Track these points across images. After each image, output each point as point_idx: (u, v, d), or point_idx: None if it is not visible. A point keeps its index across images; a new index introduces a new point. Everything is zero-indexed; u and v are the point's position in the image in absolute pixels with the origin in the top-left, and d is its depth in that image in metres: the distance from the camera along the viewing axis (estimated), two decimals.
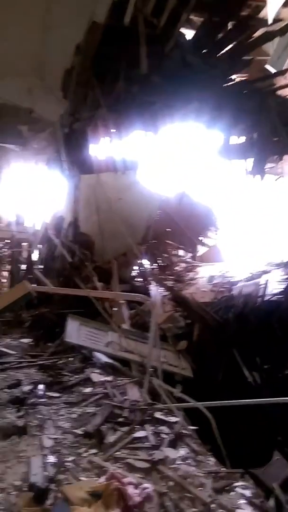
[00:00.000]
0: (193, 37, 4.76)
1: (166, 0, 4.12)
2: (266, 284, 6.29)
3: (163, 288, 7.06)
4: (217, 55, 4.68)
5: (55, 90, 5.47)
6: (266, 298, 6.23)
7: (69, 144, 6.12)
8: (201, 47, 4.74)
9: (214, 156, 5.59)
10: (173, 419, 3.49)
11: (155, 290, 6.51)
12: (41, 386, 4.05)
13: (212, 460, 3.08)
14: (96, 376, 4.31)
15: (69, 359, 4.83)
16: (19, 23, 4.26)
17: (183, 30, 4.78)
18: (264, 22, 4.25)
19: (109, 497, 2.18)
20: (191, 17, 4.79)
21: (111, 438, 3.12)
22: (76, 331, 5.26)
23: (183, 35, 4.82)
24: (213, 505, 2.49)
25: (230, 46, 4.60)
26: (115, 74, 4.82)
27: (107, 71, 4.95)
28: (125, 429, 3.26)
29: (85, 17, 4.24)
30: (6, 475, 2.70)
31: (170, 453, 2.99)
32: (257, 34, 4.49)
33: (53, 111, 5.83)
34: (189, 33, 5.03)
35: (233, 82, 4.97)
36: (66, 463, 2.80)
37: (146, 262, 7.81)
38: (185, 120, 5.07)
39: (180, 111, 4.91)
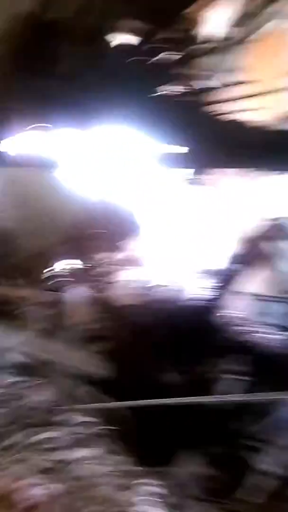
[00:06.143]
0: (124, 44, 4.81)
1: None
2: (187, 289, 6.48)
3: (81, 289, 6.98)
4: (148, 64, 4.77)
5: None
6: (187, 303, 6.43)
7: None
8: (132, 55, 4.81)
9: (146, 163, 5.65)
10: (86, 419, 3.45)
11: (74, 291, 6.43)
12: None
13: (121, 459, 3.12)
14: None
15: None
16: None
17: (113, 34, 4.82)
18: (196, 39, 4.42)
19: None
20: (123, 22, 4.83)
21: (14, 438, 3.03)
22: None
23: (113, 39, 4.85)
24: (114, 504, 2.53)
25: (161, 57, 4.71)
26: (40, 70, 4.72)
27: (31, 67, 4.83)
28: (33, 430, 3.19)
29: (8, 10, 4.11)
30: None
31: (77, 453, 2.98)
32: (189, 50, 4.65)
33: None
34: (120, 39, 5.08)
35: (166, 94, 5.09)
36: None
37: (65, 263, 7.67)
38: (113, 125, 5.10)
39: (108, 115, 4.94)
